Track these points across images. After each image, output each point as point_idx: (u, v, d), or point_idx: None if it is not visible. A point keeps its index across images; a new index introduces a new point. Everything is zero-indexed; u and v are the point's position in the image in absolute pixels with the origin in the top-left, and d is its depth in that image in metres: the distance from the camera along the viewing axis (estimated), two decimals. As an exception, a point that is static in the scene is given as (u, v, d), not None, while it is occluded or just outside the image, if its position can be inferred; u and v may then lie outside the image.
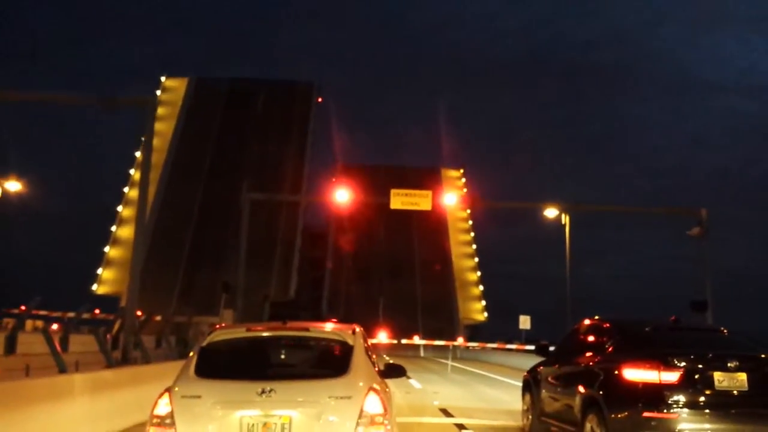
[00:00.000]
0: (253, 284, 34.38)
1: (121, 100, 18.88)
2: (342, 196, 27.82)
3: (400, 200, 26.28)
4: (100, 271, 52.11)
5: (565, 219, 29.53)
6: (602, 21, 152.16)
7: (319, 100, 62.45)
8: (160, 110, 52.60)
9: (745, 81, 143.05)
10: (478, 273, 64.67)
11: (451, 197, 26.12)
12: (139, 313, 17.84)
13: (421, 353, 53.58)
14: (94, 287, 51.12)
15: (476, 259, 65.31)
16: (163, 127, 54.72)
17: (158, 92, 59.02)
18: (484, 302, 63.17)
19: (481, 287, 64.04)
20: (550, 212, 28.88)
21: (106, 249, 52.55)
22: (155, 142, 21.43)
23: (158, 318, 27.14)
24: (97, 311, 26.64)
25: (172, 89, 61.66)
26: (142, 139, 19.00)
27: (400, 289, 60.43)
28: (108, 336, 19.25)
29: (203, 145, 57.69)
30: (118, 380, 10.18)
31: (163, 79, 62.12)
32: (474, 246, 65.68)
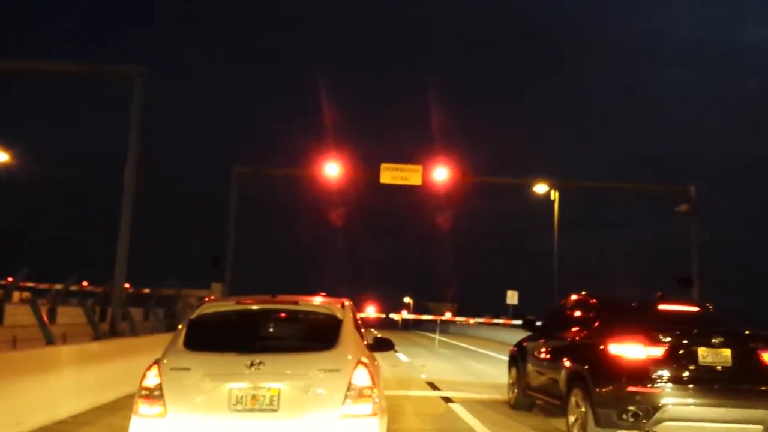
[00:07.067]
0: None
1: (109, 68, 18.30)
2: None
3: (390, 175, 25.96)
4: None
5: (555, 195, 29.57)
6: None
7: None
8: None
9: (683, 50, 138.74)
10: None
11: (442, 172, 25.89)
12: (127, 285, 17.75)
13: (408, 327, 54.04)
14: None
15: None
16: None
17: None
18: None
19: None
20: (540, 188, 28.89)
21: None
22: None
23: (146, 290, 27.11)
24: (85, 283, 26.48)
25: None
26: None
27: None
28: (96, 307, 19.21)
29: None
30: (105, 352, 10.18)
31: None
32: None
